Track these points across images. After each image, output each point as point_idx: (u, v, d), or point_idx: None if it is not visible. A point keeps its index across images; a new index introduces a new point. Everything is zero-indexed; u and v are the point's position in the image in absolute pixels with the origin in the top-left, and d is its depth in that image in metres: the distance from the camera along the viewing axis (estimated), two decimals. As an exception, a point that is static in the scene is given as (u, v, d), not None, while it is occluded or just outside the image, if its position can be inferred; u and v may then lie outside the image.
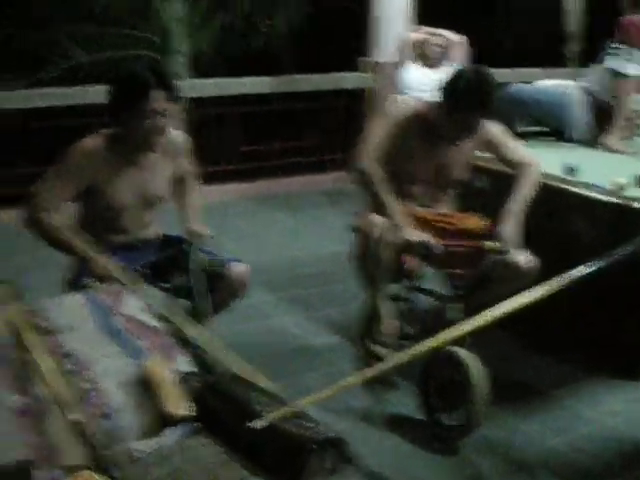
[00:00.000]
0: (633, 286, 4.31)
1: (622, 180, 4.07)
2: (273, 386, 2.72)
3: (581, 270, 3.38)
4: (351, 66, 9.11)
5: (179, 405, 2.62)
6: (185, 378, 2.78)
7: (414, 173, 4.13)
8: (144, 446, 2.53)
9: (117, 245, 3.77)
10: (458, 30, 7.30)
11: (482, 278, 3.94)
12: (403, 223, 3.84)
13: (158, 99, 3.64)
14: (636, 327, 4.35)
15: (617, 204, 4.01)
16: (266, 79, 8.70)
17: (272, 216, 7.50)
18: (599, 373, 4.45)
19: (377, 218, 3.91)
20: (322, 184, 8.73)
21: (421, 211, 4.12)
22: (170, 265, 3.91)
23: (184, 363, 2.85)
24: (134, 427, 2.62)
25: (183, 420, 2.60)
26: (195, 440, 2.56)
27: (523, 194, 3.98)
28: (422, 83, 7.06)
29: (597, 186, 4.16)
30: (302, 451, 2.37)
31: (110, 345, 2.84)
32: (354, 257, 4.05)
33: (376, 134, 4.06)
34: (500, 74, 3.93)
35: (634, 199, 3.98)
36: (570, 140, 5.36)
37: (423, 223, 4.01)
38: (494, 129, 4.17)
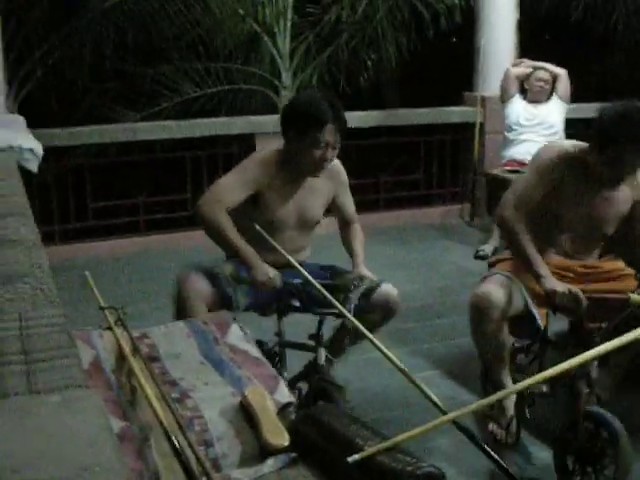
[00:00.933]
0: None
1: None
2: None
3: None
4: (457, 100, 9.10)
5: (278, 435, 2.63)
6: (285, 408, 2.80)
7: (564, 221, 3.92)
8: (243, 475, 2.55)
9: (269, 262, 3.86)
10: (563, 62, 7.23)
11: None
12: (547, 274, 3.68)
13: (332, 132, 3.87)
14: None
15: None
16: (372, 113, 8.74)
17: (378, 249, 7.48)
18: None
19: (497, 294, 3.74)
20: (429, 218, 8.71)
21: (566, 261, 3.96)
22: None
23: (284, 394, 2.87)
24: (234, 455, 2.64)
25: (282, 450, 2.61)
26: (294, 471, 2.56)
27: None
28: (527, 119, 7.00)
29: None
30: (400, 485, 2.36)
31: (213, 374, 2.89)
32: (472, 330, 3.94)
33: (526, 181, 3.89)
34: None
35: None
36: None
37: (571, 271, 3.89)
38: None
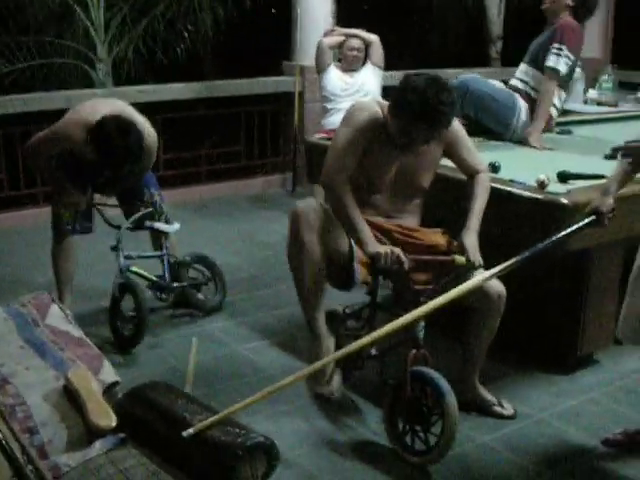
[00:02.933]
0: (557, 280, 4.38)
1: (544, 176, 4.11)
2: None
3: (507, 263, 3.41)
4: (277, 70, 9.11)
5: (105, 416, 2.59)
6: (111, 388, 2.75)
7: (377, 181, 3.95)
8: (70, 459, 2.50)
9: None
10: (380, 31, 7.32)
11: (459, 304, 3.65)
12: (370, 240, 3.69)
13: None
14: (560, 320, 4.41)
15: (539, 200, 4.04)
16: (190, 85, 8.63)
17: (200, 223, 7.44)
18: (525, 367, 4.49)
19: (318, 208, 3.80)
20: (250, 189, 8.71)
21: (386, 223, 3.97)
22: None
23: (109, 373, 2.82)
24: (60, 441, 2.58)
25: (109, 431, 2.57)
26: (123, 451, 2.53)
27: (482, 203, 3.90)
28: (343, 88, 7.05)
29: (519, 182, 4.20)
30: (230, 458, 2.36)
31: (34, 358, 2.80)
32: (288, 246, 3.94)
33: (342, 142, 3.86)
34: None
35: (556, 194, 4.02)
36: (508, 140, 5.38)
37: (388, 237, 3.89)
38: (457, 129, 4.00)
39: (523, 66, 5.49)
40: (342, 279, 3.95)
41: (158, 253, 5.10)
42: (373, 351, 3.90)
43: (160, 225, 4.99)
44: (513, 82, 5.52)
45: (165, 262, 5.04)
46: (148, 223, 4.95)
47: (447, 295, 3.33)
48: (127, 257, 4.86)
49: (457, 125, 4.02)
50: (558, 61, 5.18)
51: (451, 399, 3.48)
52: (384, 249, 3.62)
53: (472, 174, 4.00)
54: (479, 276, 3.45)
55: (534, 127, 5.26)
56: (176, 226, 5.07)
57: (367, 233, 3.72)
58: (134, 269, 4.90)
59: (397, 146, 3.86)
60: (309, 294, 3.95)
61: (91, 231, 5.01)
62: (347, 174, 3.82)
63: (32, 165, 5.26)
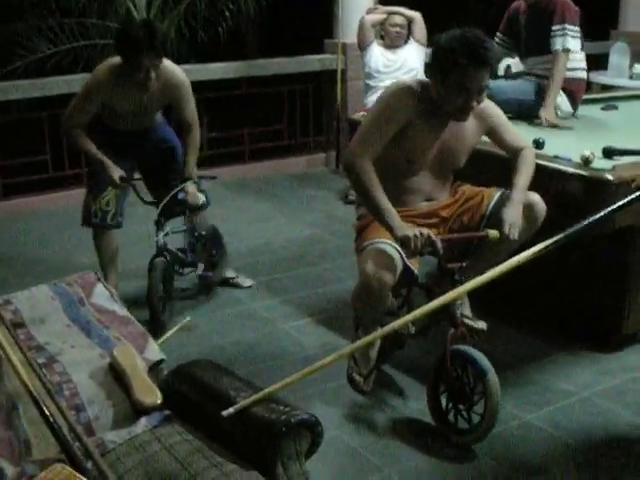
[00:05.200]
0: (602, 258, 4.34)
1: (589, 152, 4.08)
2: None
3: (552, 241, 3.37)
4: (318, 48, 9.09)
5: (150, 393, 2.61)
6: (156, 366, 2.77)
7: (417, 160, 3.84)
8: (117, 436, 2.52)
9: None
10: (423, 8, 7.28)
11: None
12: (399, 223, 3.57)
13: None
14: (605, 299, 4.38)
15: (584, 176, 4.01)
16: (232, 64, 8.64)
17: (243, 202, 7.48)
18: (569, 346, 4.47)
19: (386, 275, 3.58)
20: (292, 168, 8.71)
21: (424, 206, 3.92)
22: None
23: (154, 351, 2.84)
24: (106, 418, 2.61)
25: (155, 408, 2.59)
26: (168, 428, 2.55)
27: (525, 178, 3.82)
28: (386, 65, 7.04)
29: (564, 158, 4.17)
30: (274, 434, 2.37)
31: (80, 336, 2.83)
32: (355, 299, 3.80)
33: (373, 124, 3.75)
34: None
35: (601, 170, 3.99)
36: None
37: (431, 221, 3.86)
38: (496, 113, 3.94)
39: (541, 58, 5.44)
40: (404, 282, 3.88)
41: (185, 227, 5.20)
42: (413, 330, 3.88)
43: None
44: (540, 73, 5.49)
45: (188, 236, 5.16)
46: (181, 195, 4.85)
47: (488, 274, 3.29)
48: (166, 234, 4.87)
49: (495, 108, 3.96)
50: (565, 40, 5.21)
51: (493, 378, 3.48)
52: (413, 232, 3.49)
53: (515, 152, 3.94)
54: (522, 254, 3.38)
55: (546, 104, 5.24)
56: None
57: (394, 216, 3.59)
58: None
59: (439, 123, 3.78)
60: (370, 323, 3.89)
61: (121, 226, 4.97)
62: (371, 157, 3.68)
63: (71, 142, 5.11)
